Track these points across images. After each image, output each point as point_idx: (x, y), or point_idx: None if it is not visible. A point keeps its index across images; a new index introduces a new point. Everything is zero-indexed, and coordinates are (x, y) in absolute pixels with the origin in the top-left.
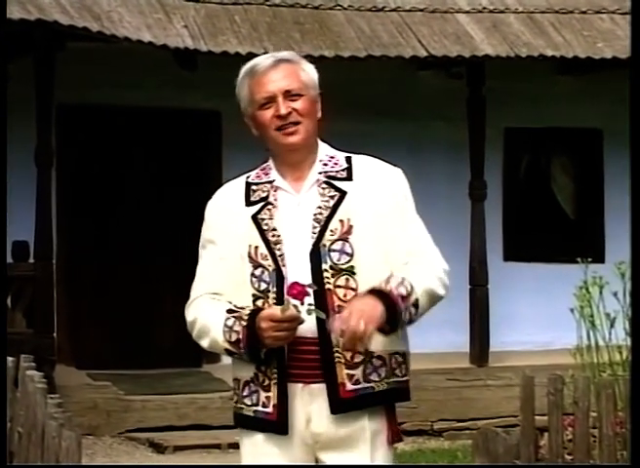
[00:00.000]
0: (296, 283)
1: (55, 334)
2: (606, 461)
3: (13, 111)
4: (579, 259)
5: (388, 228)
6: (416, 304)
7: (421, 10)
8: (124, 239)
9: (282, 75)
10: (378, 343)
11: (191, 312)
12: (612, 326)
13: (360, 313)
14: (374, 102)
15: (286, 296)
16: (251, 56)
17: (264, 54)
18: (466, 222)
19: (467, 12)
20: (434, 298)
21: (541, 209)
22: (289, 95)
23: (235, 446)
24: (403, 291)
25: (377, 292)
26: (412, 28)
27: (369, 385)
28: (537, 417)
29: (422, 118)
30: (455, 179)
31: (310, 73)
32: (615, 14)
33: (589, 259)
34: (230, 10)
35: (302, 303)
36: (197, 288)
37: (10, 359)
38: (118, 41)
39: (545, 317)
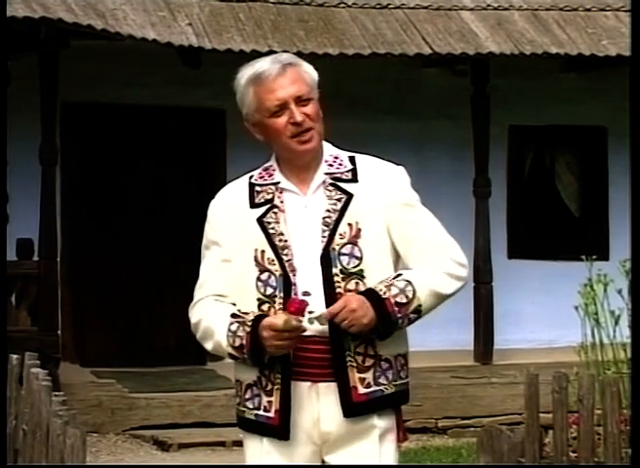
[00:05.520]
0: (294, 300)
1: (59, 332)
2: (611, 459)
3: (17, 109)
4: (583, 257)
5: (398, 229)
6: (417, 310)
7: (426, 7)
8: (128, 237)
9: (290, 80)
10: (383, 346)
11: (195, 314)
12: (616, 323)
13: (348, 314)
14: (378, 100)
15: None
16: (255, 53)
17: (269, 51)
18: (471, 220)
19: (472, 9)
20: (441, 298)
21: (546, 206)
22: (300, 100)
23: (239, 443)
24: (403, 299)
25: (375, 299)
26: (416, 26)
27: (378, 388)
28: (541, 415)
29: (427, 116)
30: (459, 177)
31: (312, 74)
32: (619, 11)
33: (594, 257)
34: (234, 7)
35: (303, 315)
36: (201, 289)
37: (14, 357)
38: (122, 39)
39: (550, 315)
